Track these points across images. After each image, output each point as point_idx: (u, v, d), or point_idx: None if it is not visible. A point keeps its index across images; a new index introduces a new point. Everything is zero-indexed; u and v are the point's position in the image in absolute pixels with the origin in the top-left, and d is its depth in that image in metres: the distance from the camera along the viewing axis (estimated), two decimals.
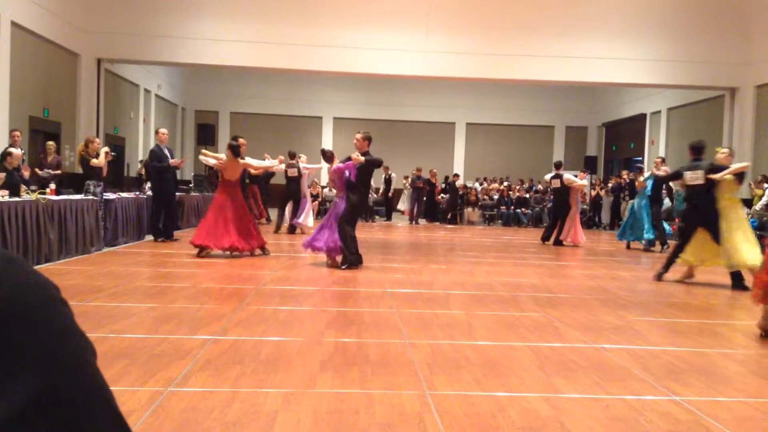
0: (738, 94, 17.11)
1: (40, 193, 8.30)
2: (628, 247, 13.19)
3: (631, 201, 13.80)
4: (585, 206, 19.71)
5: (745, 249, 7.61)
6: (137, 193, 12.25)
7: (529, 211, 20.66)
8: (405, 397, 3.42)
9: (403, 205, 21.97)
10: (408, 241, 14.11)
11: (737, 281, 7.82)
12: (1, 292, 0.52)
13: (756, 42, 16.41)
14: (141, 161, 17.75)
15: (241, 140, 9.93)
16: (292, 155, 14.52)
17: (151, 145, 13.05)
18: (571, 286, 7.90)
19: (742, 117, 16.89)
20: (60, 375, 0.53)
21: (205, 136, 21.92)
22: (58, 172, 11.44)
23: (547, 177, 14.40)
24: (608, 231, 18.41)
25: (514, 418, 3.16)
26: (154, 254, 9.66)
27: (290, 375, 3.75)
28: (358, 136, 8.68)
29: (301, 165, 14.29)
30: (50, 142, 12.13)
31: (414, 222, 20.11)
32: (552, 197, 15.84)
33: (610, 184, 19.83)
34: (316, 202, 18.33)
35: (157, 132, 11.60)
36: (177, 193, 12.35)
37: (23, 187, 8.46)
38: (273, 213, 17.20)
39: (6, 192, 7.71)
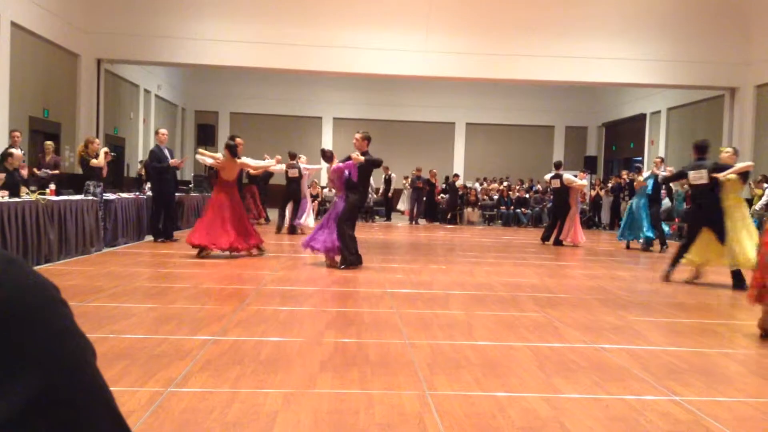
0: (738, 94, 17.11)
1: (39, 194, 8.30)
2: (628, 247, 13.18)
3: (630, 201, 13.80)
4: (585, 206, 19.71)
5: (750, 248, 7.61)
6: (137, 193, 12.25)
7: (528, 211, 20.66)
8: (405, 397, 3.42)
9: (402, 205, 21.96)
10: (408, 242, 14.11)
11: (738, 281, 7.82)
12: (0, 292, 0.52)
13: (756, 42, 16.42)
14: (141, 162, 17.75)
15: (238, 140, 9.93)
16: (293, 156, 14.52)
17: (151, 145, 13.05)
18: (570, 286, 7.90)
19: (742, 117, 16.89)
20: (60, 375, 0.53)
21: (205, 136, 21.93)
22: (56, 172, 11.40)
23: (547, 177, 14.40)
24: (608, 231, 18.41)
25: (514, 418, 3.16)
26: (154, 255, 9.66)
27: (290, 375, 3.75)
28: (358, 135, 8.69)
29: (302, 166, 14.30)
30: (48, 142, 12.08)
31: (414, 222, 20.11)
32: (552, 197, 15.84)
33: (609, 184, 19.83)
34: (316, 202, 18.33)
35: (156, 132, 11.60)
36: (177, 194, 12.35)
37: (23, 188, 8.47)
38: (272, 213, 17.20)
39: (6, 192, 7.71)
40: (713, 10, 16.70)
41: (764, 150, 16.07)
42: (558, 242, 13.44)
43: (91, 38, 15.42)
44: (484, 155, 26.14)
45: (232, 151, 9.46)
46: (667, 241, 13.29)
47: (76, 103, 15.26)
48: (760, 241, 5.42)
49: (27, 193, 8.25)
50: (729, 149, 8.48)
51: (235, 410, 3.13)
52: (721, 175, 7.93)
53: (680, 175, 9.16)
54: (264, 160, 12.26)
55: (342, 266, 8.48)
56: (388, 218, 21.25)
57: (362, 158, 8.45)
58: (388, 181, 21.15)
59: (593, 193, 20.36)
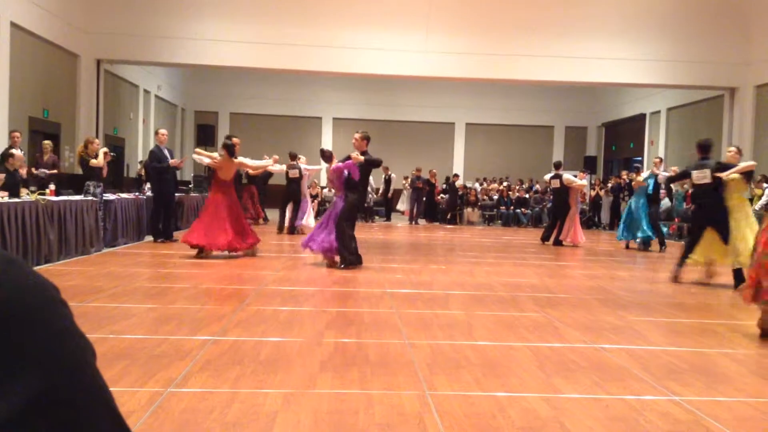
0: (738, 94, 17.11)
1: (39, 194, 8.30)
2: (628, 247, 13.19)
3: (629, 200, 13.80)
4: (584, 206, 19.71)
5: None
6: (137, 193, 12.25)
7: (528, 211, 20.66)
8: (405, 397, 3.42)
9: (402, 205, 21.96)
10: (408, 242, 14.11)
11: (739, 281, 7.81)
12: (0, 293, 0.52)
13: (756, 42, 16.42)
14: (141, 162, 17.75)
15: (235, 139, 9.92)
16: (293, 156, 14.53)
17: (151, 145, 13.05)
18: (570, 286, 7.90)
19: (742, 117, 16.90)
20: (60, 376, 0.53)
21: (205, 136, 21.92)
22: (54, 171, 11.37)
23: (547, 177, 14.40)
24: (608, 231, 18.41)
25: (513, 419, 3.16)
26: (154, 255, 9.66)
27: (290, 375, 3.75)
28: (357, 135, 8.69)
29: (302, 166, 14.31)
30: (46, 141, 12.02)
31: (414, 222, 20.11)
32: (551, 197, 15.84)
33: (609, 184, 19.84)
34: (315, 201, 18.33)
35: (156, 133, 11.60)
36: (177, 194, 12.35)
37: (23, 188, 8.46)
38: (272, 213, 17.20)
39: (6, 193, 7.71)
40: (713, 10, 16.70)
41: (764, 150, 16.07)
42: (558, 242, 13.44)
43: (90, 38, 15.42)
44: (483, 155, 26.14)
45: (230, 150, 9.44)
46: (666, 241, 13.30)
47: (75, 103, 15.27)
48: (756, 239, 5.41)
49: (27, 194, 8.25)
50: (732, 148, 8.47)
51: (234, 410, 3.13)
52: (724, 175, 7.92)
53: (684, 175, 9.13)
54: (263, 160, 12.26)
55: (342, 266, 8.48)
56: (388, 218, 21.25)
57: (362, 158, 8.45)
58: (387, 182, 21.15)
59: (593, 193, 20.36)
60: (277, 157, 12.18)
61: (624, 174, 18.88)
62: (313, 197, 17.57)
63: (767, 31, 16.18)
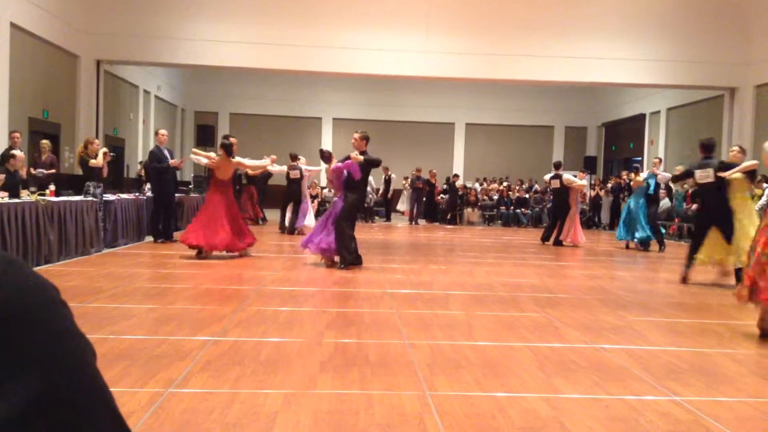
0: (738, 94, 17.11)
1: (39, 195, 8.30)
2: (627, 246, 13.19)
3: (628, 200, 13.81)
4: (584, 206, 19.72)
5: None
6: (137, 194, 12.24)
7: (528, 211, 20.67)
8: (405, 397, 3.42)
9: (402, 205, 21.97)
10: (408, 242, 14.11)
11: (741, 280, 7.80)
12: (0, 293, 0.52)
13: (756, 42, 16.42)
14: (141, 162, 17.76)
15: (232, 139, 9.92)
16: (294, 157, 14.55)
17: (151, 146, 13.06)
18: (570, 286, 7.90)
19: (742, 117, 16.90)
20: (60, 376, 0.53)
21: (205, 137, 21.93)
22: (53, 171, 11.34)
23: (547, 177, 14.40)
24: (608, 231, 18.41)
25: (514, 419, 3.16)
26: (154, 255, 9.66)
27: (290, 376, 3.75)
28: (356, 135, 8.71)
29: (303, 167, 14.33)
30: (44, 141, 11.91)
31: (414, 222, 20.12)
32: (551, 197, 15.84)
33: (609, 185, 19.84)
34: (315, 202, 18.34)
35: (156, 133, 11.60)
36: (176, 194, 12.35)
37: (23, 189, 8.47)
38: (271, 214, 17.21)
39: (6, 193, 7.71)
40: (713, 10, 16.70)
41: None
42: (558, 242, 13.44)
43: (90, 39, 15.42)
44: (483, 155, 26.15)
45: (228, 150, 9.43)
46: (665, 241, 13.31)
47: (75, 104, 15.27)
48: (754, 240, 5.39)
49: (27, 195, 8.25)
50: (735, 148, 8.47)
51: (235, 411, 3.13)
52: (726, 174, 7.91)
53: (687, 174, 9.11)
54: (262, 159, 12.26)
55: (341, 266, 8.48)
56: (388, 219, 21.25)
57: (361, 158, 8.45)
58: (387, 182, 21.15)
59: (593, 193, 20.37)
60: (274, 157, 12.19)
61: (624, 174, 18.88)
62: (313, 197, 17.57)
63: (767, 31, 16.18)
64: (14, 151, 9.45)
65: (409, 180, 20.92)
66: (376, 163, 8.70)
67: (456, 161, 25.96)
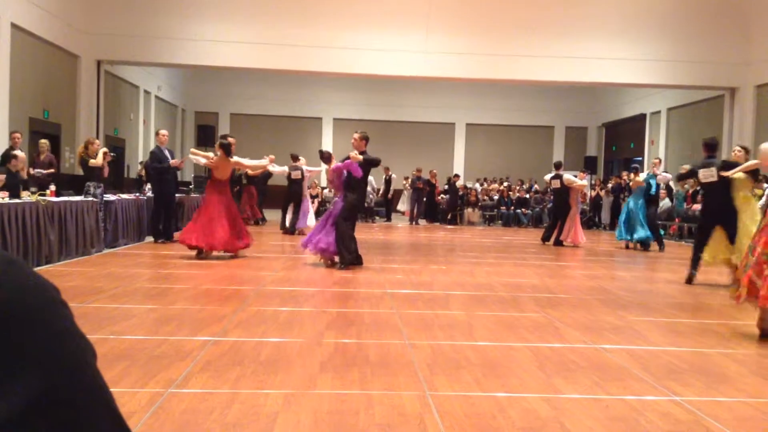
0: (738, 94, 17.11)
1: (40, 195, 8.30)
2: (627, 246, 13.19)
3: (627, 200, 13.81)
4: (585, 206, 19.72)
5: None
6: (137, 194, 12.24)
7: (529, 211, 20.67)
8: (405, 397, 3.43)
9: (403, 205, 21.97)
10: (408, 242, 14.12)
11: None
12: (1, 293, 0.52)
13: (756, 42, 16.42)
14: (141, 162, 17.76)
15: (230, 139, 9.91)
16: (295, 158, 14.57)
17: (152, 146, 13.07)
18: (571, 286, 7.90)
19: (742, 117, 16.89)
20: (60, 376, 0.53)
21: (205, 137, 21.92)
22: (51, 170, 11.30)
23: (547, 177, 14.40)
24: (608, 231, 18.40)
25: (514, 419, 3.16)
26: (155, 255, 9.66)
27: (290, 376, 3.75)
28: (356, 135, 8.74)
29: (304, 168, 14.35)
30: (43, 140, 11.85)
31: (414, 223, 20.12)
32: (552, 197, 15.84)
33: (610, 185, 19.84)
34: (316, 201, 18.36)
35: (157, 133, 11.60)
36: (177, 194, 12.35)
37: (25, 190, 8.47)
38: (271, 214, 17.21)
39: (6, 193, 7.72)
40: (713, 10, 16.70)
41: None
42: (558, 242, 13.44)
43: (91, 39, 15.42)
44: (484, 156, 26.15)
45: (227, 150, 9.40)
46: (665, 241, 13.31)
47: (76, 104, 15.27)
48: (754, 240, 5.38)
49: (28, 195, 8.25)
50: (737, 148, 8.47)
51: (235, 411, 3.14)
52: (729, 173, 7.91)
53: (691, 174, 9.10)
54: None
55: (341, 266, 8.48)
56: (389, 219, 21.26)
57: (360, 157, 8.47)
58: (388, 182, 21.16)
59: (593, 193, 20.37)
60: (273, 156, 12.18)
61: (624, 174, 18.88)
62: (313, 197, 17.58)
63: (767, 31, 16.18)
64: (16, 152, 9.46)
65: (410, 180, 20.92)
66: (375, 163, 8.71)
67: (456, 161, 25.95)
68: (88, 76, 15.60)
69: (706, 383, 3.88)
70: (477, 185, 22.85)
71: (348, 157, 8.58)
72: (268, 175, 15.85)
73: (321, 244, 8.54)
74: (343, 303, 6.43)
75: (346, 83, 24.09)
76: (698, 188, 15.12)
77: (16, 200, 7.76)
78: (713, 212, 8.24)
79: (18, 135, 10.86)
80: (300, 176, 14.18)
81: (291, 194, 14.35)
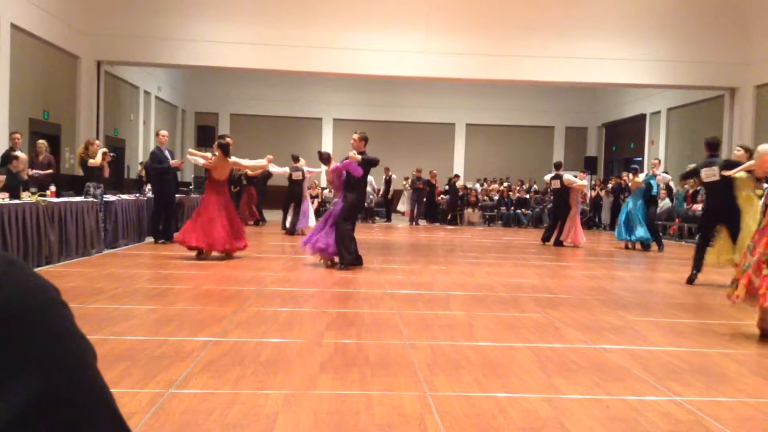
0: (738, 94, 17.11)
1: (40, 196, 8.30)
2: (627, 247, 13.20)
3: (626, 200, 13.82)
4: (585, 207, 19.71)
5: None
6: (137, 194, 12.24)
7: (529, 211, 20.67)
8: (405, 398, 3.43)
9: (403, 206, 21.97)
10: (408, 242, 14.12)
11: None
12: (1, 294, 0.52)
13: (756, 42, 16.42)
14: (141, 163, 17.76)
15: (228, 139, 9.91)
16: (296, 158, 14.58)
17: (152, 146, 13.07)
18: (571, 286, 7.90)
19: (742, 117, 16.89)
20: (60, 377, 0.53)
21: (205, 137, 21.92)
22: (50, 171, 11.28)
23: (547, 177, 14.40)
24: (608, 231, 18.40)
25: (514, 419, 3.16)
26: (155, 256, 9.66)
27: (290, 376, 3.75)
28: (355, 136, 8.77)
29: (305, 168, 14.37)
30: (41, 141, 11.79)
31: (414, 223, 20.12)
32: (552, 198, 15.84)
33: (610, 185, 19.84)
34: (316, 201, 18.37)
35: (157, 134, 11.60)
36: (177, 195, 12.34)
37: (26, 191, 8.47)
38: (270, 215, 17.22)
39: (6, 194, 7.72)
40: (713, 10, 16.70)
41: None
42: (558, 243, 13.44)
43: (91, 40, 15.42)
44: (484, 156, 26.14)
45: (225, 150, 9.38)
46: (663, 241, 13.32)
47: (76, 104, 15.27)
48: (753, 241, 5.37)
49: (28, 196, 8.25)
50: (740, 148, 8.46)
51: (235, 411, 3.14)
52: (730, 172, 7.91)
53: (693, 173, 9.10)
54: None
55: (341, 267, 8.48)
56: (389, 219, 21.26)
57: (358, 156, 8.49)
58: (388, 182, 21.16)
59: (593, 193, 20.36)
60: (271, 156, 12.18)
61: (624, 175, 18.89)
62: (313, 197, 17.59)
63: (767, 31, 16.18)
64: (17, 153, 9.46)
65: (410, 180, 20.92)
66: (374, 162, 8.72)
67: (456, 162, 25.95)
68: (88, 76, 15.60)
69: (706, 383, 3.88)
70: (477, 185, 22.85)
71: (347, 158, 8.60)
72: (268, 175, 15.85)
73: (319, 244, 8.54)
74: (343, 303, 6.43)
75: (346, 84, 24.09)
76: (698, 188, 15.14)
77: (17, 201, 7.76)
78: (715, 211, 8.24)
79: (18, 135, 10.86)
80: (301, 177, 14.20)
81: (292, 195, 14.37)
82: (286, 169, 13.96)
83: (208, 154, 9.61)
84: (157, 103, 21.41)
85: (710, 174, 8.21)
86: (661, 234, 13.86)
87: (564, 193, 13.58)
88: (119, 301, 5.84)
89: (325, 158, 10.27)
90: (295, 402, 3.30)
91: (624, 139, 24.37)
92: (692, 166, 10.09)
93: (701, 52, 16.78)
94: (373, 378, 3.76)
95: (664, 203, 16.39)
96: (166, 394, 3.34)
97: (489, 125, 26.16)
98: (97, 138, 14.16)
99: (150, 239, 11.54)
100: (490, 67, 16.81)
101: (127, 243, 10.81)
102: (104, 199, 10.09)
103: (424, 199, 20.62)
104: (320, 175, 17.61)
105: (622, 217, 13.17)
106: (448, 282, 7.82)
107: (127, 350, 4.17)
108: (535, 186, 22.15)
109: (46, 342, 0.53)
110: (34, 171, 11.02)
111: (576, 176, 14.34)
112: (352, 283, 7.55)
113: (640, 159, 22.09)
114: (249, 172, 13.94)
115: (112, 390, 0.58)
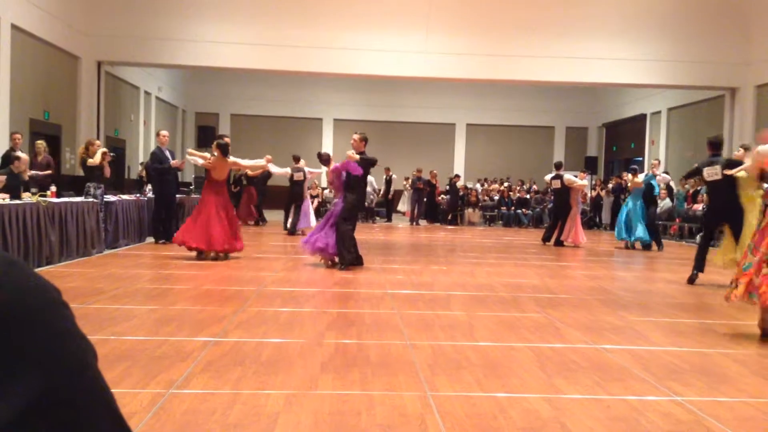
0: (738, 94, 17.10)
1: (40, 196, 8.31)
2: (627, 246, 13.20)
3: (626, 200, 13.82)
4: (585, 207, 19.71)
5: None
6: (138, 195, 12.24)
7: (529, 211, 20.66)
8: (406, 398, 3.43)
9: (403, 206, 21.97)
10: (408, 242, 14.12)
11: None
12: (1, 294, 0.52)
13: (756, 42, 16.41)
14: (142, 163, 17.77)
15: (226, 139, 9.90)
16: (297, 159, 14.58)
17: (152, 147, 13.07)
18: (571, 286, 7.90)
19: (742, 117, 16.89)
20: (60, 377, 0.53)
21: (206, 138, 21.95)
22: (49, 172, 11.26)
23: (548, 177, 14.40)
24: (609, 231, 18.39)
25: (515, 419, 3.16)
26: (155, 256, 9.66)
27: (291, 376, 3.75)
28: (355, 136, 8.79)
29: (306, 169, 14.38)
30: (39, 142, 11.73)
31: (414, 223, 20.12)
32: (552, 198, 15.84)
33: (610, 185, 19.84)
34: (316, 201, 18.37)
35: (157, 134, 11.60)
36: (178, 195, 12.34)
37: (26, 192, 8.47)
38: (270, 215, 17.22)
39: (7, 195, 7.72)
40: (713, 10, 16.70)
41: None
42: (559, 243, 13.44)
43: (91, 40, 15.43)
44: (484, 156, 26.14)
45: (224, 150, 9.37)
46: (663, 241, 13.32)
47: (76, 105, 15.27)
48: (754, 241, 5.36)
49: (29, 196, 8.26)
50: (741, 149, 8.46)
51: (236, 411, 3.14)
52: (732, 171, 7.91)
53: (695, 172, 9.10)
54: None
55: (341, 267, 8.48)
56: (389, 219, 21.26)
57: (357, 156, 8.50)
58: (388, 182, 21.16)
59: (594, 193, 20.36)
60: (270, 156, 12.17)
61: (624, 175, 18.88)
62: (313, 197, 17.60)
63: (767, 31, 16.17)
64: (18, 153, 9.47)
65: (410, 180, 20.92)
66: (373, 162, 8.75)
67: (457, 162, 25.94)
68: (89, 77, 15.61)
69: (707, 383, 3.88)
70: (477, 185, 22.85)
71: (347, 157, 8.61)
72: (268, 175, 15.86)
73: (319, 244, 8.55)
74: (344, 303, 6.43)
75: (346, 84, 24.09)
76: (699, 188, 15.14)
77: (17, 201, 7.76)
78: (717, 210, 8.24)
79: (18, 136, 10.85)
80: (302, 177, 14.20)
81: (293, 195, 14.38)
82: (288, 170, 13.96)
83: (207, 155, 9.60)
84: (157, 104, 21.42)
85: (712, 173, 8.21)
86: (661, 234, 13.86)
87: (564, 193, 13.59)
88: (120, 302, 5.84)
89: (324, 159, 10.27)
90: (296, 402, 3.30)
91: (624, 139, 24.36)
92: (697, 165, 10.09)
93: (701, 52, 16.78)
94: (374, 378, 3.76)
95: (665, 203, 16.39)
96: (167, 394, 3.34)
97: (489, 125, 26.15)
98: (98, 138, 14.15)
99: (150, 239, 11.54)
100: (490, 67, 16.81)
101: (128, 243, 10.82)
102: (105, 199, 10.09)
103: (425, 199, 20.61)
104: (321, 175, 17.61)
105: (621, 217, 13.18)
106: (449, 282, 7.82)
107: (127, 350, 4.17)
108: (535, 186, 22.15)
109: (46, 342, 0.53)
110: (33, 172, 11.00)
111: (576, 176, 14.34)
112: (353, 283, 7.55)
113: (641, 159, 22.09)
114: (249, 172, 13.94)
115: (112, 390, 0.58)
